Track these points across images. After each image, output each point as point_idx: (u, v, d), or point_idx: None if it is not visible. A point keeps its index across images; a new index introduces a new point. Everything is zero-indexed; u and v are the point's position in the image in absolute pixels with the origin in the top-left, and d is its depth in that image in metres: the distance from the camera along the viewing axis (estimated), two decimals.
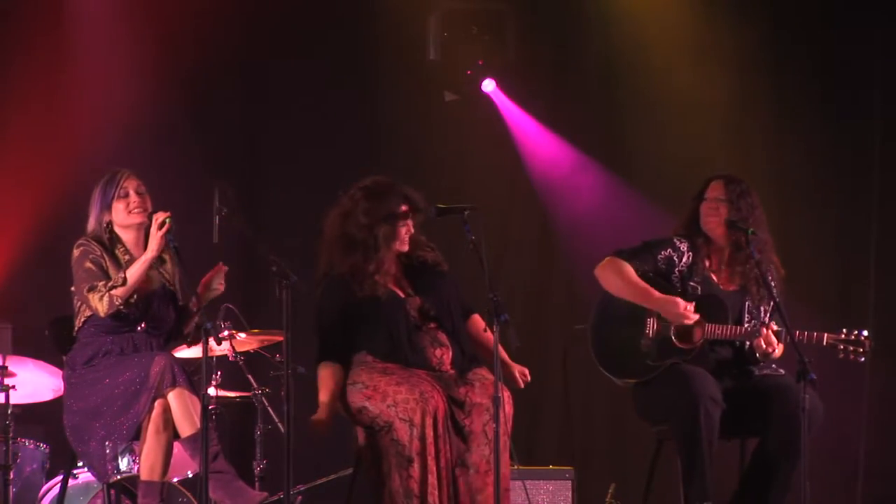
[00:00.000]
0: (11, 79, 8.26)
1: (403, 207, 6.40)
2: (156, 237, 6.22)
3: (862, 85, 8.67)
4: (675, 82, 8.74)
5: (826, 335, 6.48)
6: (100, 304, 6.23)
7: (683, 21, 8.76)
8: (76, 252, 6.35)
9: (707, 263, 6.69)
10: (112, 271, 6.31)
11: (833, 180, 8.73)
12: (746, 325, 6.58)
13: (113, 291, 6.21)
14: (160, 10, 8.38)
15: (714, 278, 6.68)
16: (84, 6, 8.29)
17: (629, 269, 6.63)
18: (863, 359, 6.50)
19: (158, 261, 6.45)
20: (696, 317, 6.51)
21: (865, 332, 6.49)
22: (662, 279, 6.66)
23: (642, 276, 6.64)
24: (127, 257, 6.39)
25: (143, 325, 6.39)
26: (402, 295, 6.42)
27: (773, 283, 6.60)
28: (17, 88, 8.24)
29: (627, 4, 8.85)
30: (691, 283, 6.66)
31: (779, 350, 6.55)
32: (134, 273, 6.23)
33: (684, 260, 6.68)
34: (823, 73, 8.72)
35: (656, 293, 6.57)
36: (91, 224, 6.43)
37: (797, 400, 6.17)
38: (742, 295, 6.66)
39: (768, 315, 6.65)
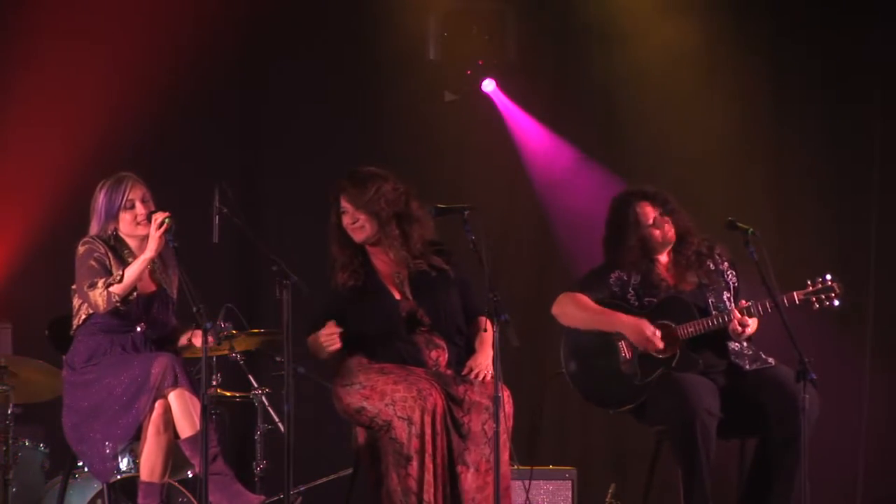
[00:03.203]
0: (12, 79, 8.26)
1: (342, 201, 6.46)
2: (154, 237, 6.22)
3: (862, 83, 8.66)
4: (675, 82, 8.73)
5: (795, 293, 6.47)
6: (99, 298, 6.22)
7: (683, 20, 8.75)
8: (81, 249, 6.35)
9: (656, 275, 6.68)
10: (115, 265, 6.30)
11: (833, 178, 8.72)
12: (714, 314, 6.56)
13: (111, 288, 6.21)
14: (161, 10, 8.38)
15: (667, 286, 6.67)
16: (85, 8, 8.28)
17: (586, 299, 6.64)
18: (837, 303, 6.47)
19: (160, 264, 6.45)
20: (661, 344, 6.51)
21: (829, 276, 6.47)
22: (620, 300, 6.66)
23: (601, 303, 6.64)
24: (132, 259, 6.38)
25: (142, 326, 6.38)
26: (397, 296, 6.44)
27: (723, 263, 6.60)
28: (19, 89, 8.24)
29: (628, 5, 8.84)
30: (647, 299, 6.65)
31: (752, 325, 6.54)
32: (132, 272, 6.22)
33: (633, 279, 6.68)
34: (823, 73, 8.71)
35: (623, 316, 6.58)
36: (93, 229, 6.42)
37: (794, 394, 6.17)
38: (701, 290, 6.66)
39: (732, 300, 6.66)
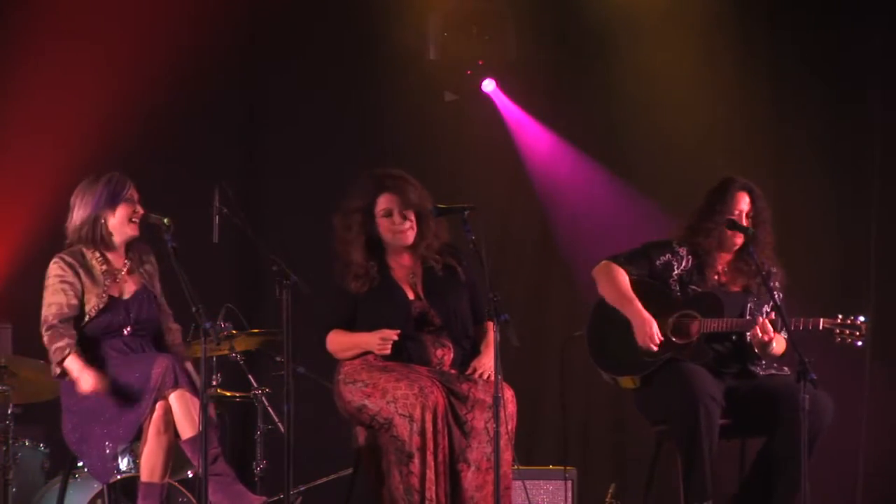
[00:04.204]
0: (13, 80, 8.26)
1: (384, 203, 6.43)
2: (79, 377, 6.20)
3: (862, 78, 8.66)
4: (676, 82, 8.73)
5: (822, 320, 6.47)
6: (50, 351, 6.24)
7: (683, 21, 8.75)
8: (51, 269, 6.31)
9: (711, 267, 6.69)
10: (88, 284, 6.25)
11: (833, 179, 8.71)
12: (742, 319, 6.59)
13: (56, 360, 6.22)
14: (161, 10, 8.38)
15: (717, 281, 6.69)
16: (85, 8, 8.28)
17: (621, 276, 6.67)
18: (860, 343, 6.48)
19: (138, 262, 6.43)
20: (656, 348, 6.52)
21: (862, 318, 6.48)
22: (659, 282, 6.67)
23: (637, 281, 6.65)
24: (104, 267, 6.33)
25: (128, 329, 6.36)
26: (411, 296, 6.45)
27: (774, 283, 6.62)
28: (19, 89, 8.24)
29: (627, 4, 8.84)
30: (691, 287, 6.66)
31: (778, 344, 6.54)
32: (71, 368, 6.20)
33: (684, 265, 6.69)
34: (824, 70, 8.71)
35: (637, 306, 6.61)
36: (78, 219, 6.35)
37: (803, 400, 6.17)
38: (745, 295, 6.67)
39: (767, 314, 6.67)
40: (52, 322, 6.25)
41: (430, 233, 6.49)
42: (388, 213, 6.46)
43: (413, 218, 6.45)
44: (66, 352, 6.20)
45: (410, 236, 6.47)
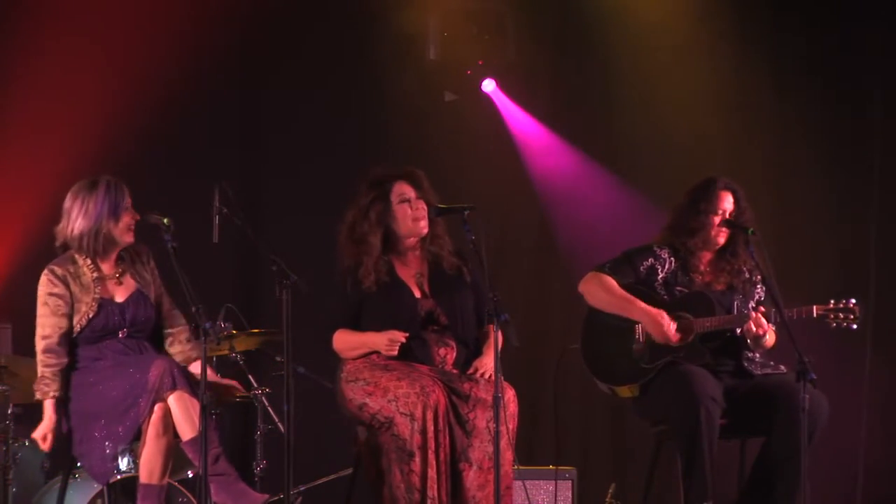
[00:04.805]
0: (13, 80, 8.26)
1: (402, 189, 6.44)
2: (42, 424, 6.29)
3: (862, 78, 8.66)
4: (675, 81, 8.73)
5: (815, 307, 6.46)
6: (39, 359, 6.29)
7: (683, 19, 8.75)
8: (42, 282, 6.32)
9: (695, 267, 6.68)
10: (78, 293, 6.25)
11: (833, 178, 8.71)
12: (734, 314, 6.59)
13: (38, 378, 6.28)
14: (161, 10, 8.38)
15: (701, 280, 6.69)
16: (85, 9, 8.28)
17: (613, 283, 6.66)
18: (855, 326, 6.46)
19: (130, 264, 6.42)
20: (677, 337, 6.51)
21: (854, 301, 6.46)
22: (645, 287, 6.67)
23: (625, 288, 6.65)
24: (95, 274, 6.32)
25: (124, 332, 6.35)
26: (417, 294, 6.45)
27: (757, 277, 6.62)
28: (19, 89, 8.24)
29: (627, 4, 8.85)
30: (677, 289, 6.66)
31: (770, 336, 6.54)
32: (44, 408, 6.29)
33: (667, 267, 6.69)
34: (824, 70, 8.71)
35: (642, 304, 6.59)
36: (78, 228, 6.32)
37: (803, 400, 6.16)
38: (730, 293, 6.67)
39: (754, 309, 6.66)
40: (51, 343, 6.28)
41: (439, 228, 6.51)
42: (407, 199, 6.46)
43: (425, 208, 6.46)
44: (48, 393, 6.25)
45: (426, 225, 6.47)
